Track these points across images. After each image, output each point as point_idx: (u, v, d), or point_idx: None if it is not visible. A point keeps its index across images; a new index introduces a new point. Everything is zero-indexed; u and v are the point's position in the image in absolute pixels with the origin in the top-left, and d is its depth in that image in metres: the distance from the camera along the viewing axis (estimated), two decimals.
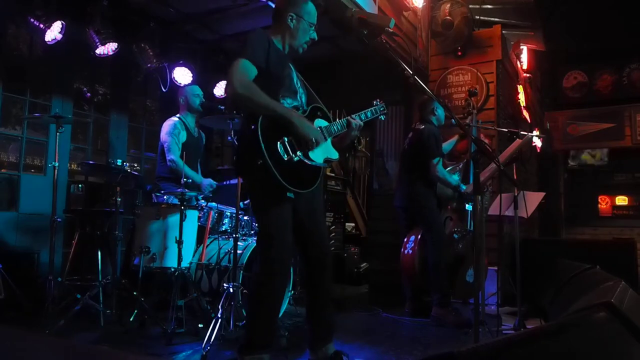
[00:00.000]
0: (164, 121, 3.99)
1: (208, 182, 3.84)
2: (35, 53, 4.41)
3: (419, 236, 4.14)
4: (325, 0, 2.66)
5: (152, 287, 3.55)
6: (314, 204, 2.50)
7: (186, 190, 3.22)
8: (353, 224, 7.85)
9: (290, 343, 2.99)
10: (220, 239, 3.61)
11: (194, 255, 3.56)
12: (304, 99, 2.54)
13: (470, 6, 5.35)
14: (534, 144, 7.26)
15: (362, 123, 2.57)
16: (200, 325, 3.17)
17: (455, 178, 4.12)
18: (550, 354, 0.91)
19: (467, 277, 4.17)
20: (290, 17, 2.47)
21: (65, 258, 4.15)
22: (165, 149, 3.83)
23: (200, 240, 3.62)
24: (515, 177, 3.78)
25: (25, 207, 4.19)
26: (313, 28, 2.53)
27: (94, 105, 4.98)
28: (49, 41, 3.77)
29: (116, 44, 4.05)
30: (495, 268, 4.44)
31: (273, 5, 3.99)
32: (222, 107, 3.60)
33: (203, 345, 2.69)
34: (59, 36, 3.76)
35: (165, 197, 3.65)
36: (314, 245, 2.48)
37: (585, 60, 8.96)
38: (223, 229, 3.74)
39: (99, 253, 3.55)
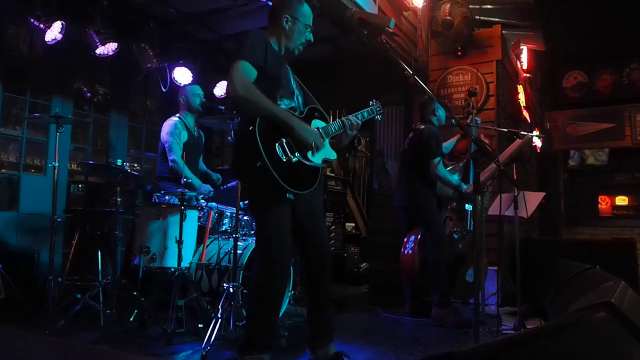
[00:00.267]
0: (164, 121, 3.98)
1: (206, 189, 3.83)
2: (35, 53, 4.41)
3: (419, 236, 4.14)
4: (321, 1, 2.65)
5: (152, 287, 3.55)
6: (314, 204, 2.50)
7: (186, 190, 3.22)
8: (353, 224, 7.86)
9: (290, 343, 2.99)
10: (220, 239, 3.61)
11: (194, 255, 3.56)
12: (300, 100, 2.54)
13: (470, 6, 5.35)
14: (534, 144, 7.26)
15: (359, 122, 2.56)
16: (200, 325, 3.17)
17: (455, 178, 4.12)
18: (550, 354, 0.91)
19: (467, 277, 4.17)
20: (285, 19, 2.47)
21: (65, 258, 4.15)
22: (167, 149, 3.82)
23: (200, 240, 3.62)
24: (515, 177, 3.78)
25: (25, 207, 4.19)
26: (309, 30, 2.53)
27: (94, 105, 4.98)
28: (49, 41, 3.77)
29: (116, 44, 4.05)
30: (495, 268, 4.44)
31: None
32: (222, 107, 3.60)
33: (203, 345, 2.69)
34: (59, 36, 3.77)
35: (166, 197, 3.65)
36: (313, 246, 2.48)
37: (585, 60, 8.95)
38: (223, 229, 3.74)
39: (99, 253, 3.54)
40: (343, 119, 2.52)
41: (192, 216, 3.47)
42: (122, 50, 4.15)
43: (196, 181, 3.83)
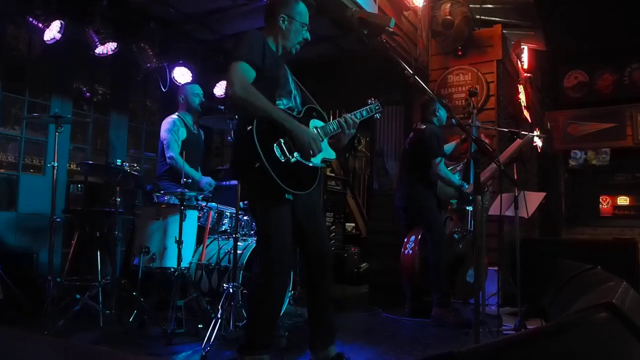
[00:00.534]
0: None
1: (207, 181, 3.84)
2: (34, 53, 4.40)
3: (419, 236, 4.14)
4: (318, 0, 2.64)
5: (151, 287, 3.55)
6: (313, 204, 2.49)
7: (186, 190, 3.21)
8: (353, 224, 7.86)
9: (290, 343, 2.99)
10: (220, 239, 3.61)
11: (193, 256, 3.56)
12: (298, 100, 2.53)
13: (471, 6, 5.34)
14: (534, 144, 7.26)
15: (357, 120, 2.55)
16: (200, 326, 3.17)
17: (457, 178, 4.11)
18: (550, 354, 0.91)
19: (467, 278, 4.16)
20: (281, 19, 2.46)
21: (64, 258, 4.14)
22: (165, 146, 3.81)
23: (200, 240, 3.61)
24: (515, 177, 3.78)
25: (25, 207, 4.19)
26: (306, 28, 2.53)
27: (93, 105, 4.98)
28: (48, 41, 3.76)
29: (116, 43, 4.05)
30: (496, 268, 4.43)
31: None
32: (222, 107, 3.60)
33: (203, 346, 2.68)
34: (58, 36, 3.76)
35: (165, 197, 3.65)
36: (313, 246, 2.47)
37: (586, 60, 8.95)
38: (223, 229, 3.74)
39: (99, 253, 3.54)
40: (341, 118, 2.51)
41: (192, 216, 3.46)
42: (121, 50, 4.15)
43: (196, 174, 3.81)
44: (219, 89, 5.09)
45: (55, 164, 3.24)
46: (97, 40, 3.91)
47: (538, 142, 7.37)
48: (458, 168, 4.39)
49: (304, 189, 2.32)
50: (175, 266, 3.14)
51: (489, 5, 5.88)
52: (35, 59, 4.42)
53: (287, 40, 2.49)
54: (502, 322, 3.53)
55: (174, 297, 3.05)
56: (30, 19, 3.67)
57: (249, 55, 2.27)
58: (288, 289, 3.65)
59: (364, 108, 2.66)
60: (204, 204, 3.64)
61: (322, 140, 2.41)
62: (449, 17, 5.16)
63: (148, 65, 4.35)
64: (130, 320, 3.21)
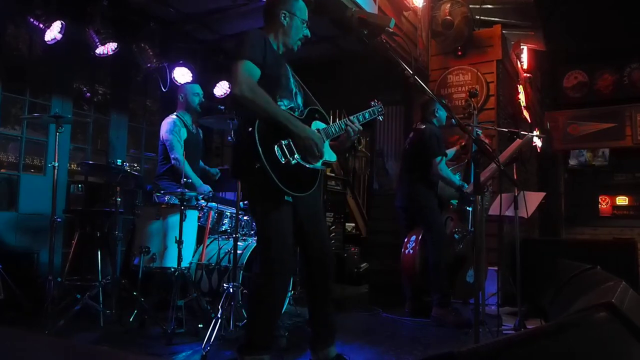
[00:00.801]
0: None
1: (205, 189, 3.82)
2: (35, 53, 4.41)
3: (420, 236, 4.14)
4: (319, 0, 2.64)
5: (152, 287, 3.55)
6: (314, 204, 2.49)
7: (186, 190, 3.21)
8: (353, 224, 7.86)
9: (290, 343, 2.99)
10: (220, 239, 3.61)
11: (193, 255, 3.56)
12: (300, 100, 2.53)
13: (471, 6, 5.34)
14: (534, 144, 7.25)
15: (360, 127, 2.55)
16: (200, 325, 3.17)
17: (457, 178, 4.11)
18: (550, 354, 0.91)
19: (467, 278, 4.17)
20: (283, 15, 2.47)
21: (65, 258, 4.14)
22: (168, 147, 3.81)
23: (200, 240, 3.61)
24: (515, 177, 3.78)
25: (25, 207, 4.19)
26: (305, 24, 2.53)
27: (93, 105, 4.98)
28: (48, 41, 3.76)
29: (116, 43, 4.05)
30: (496, 268, 4.43)
31: None
32: (222, 107, 3.60)
33: (203, 345, 2.69)
34: (59, 36, 3.76)
35: (165, 197, 3.65)
36: (314, 246, 2.47)
37: (586, 60, 8.94)
38: (223, 229, 3.74)
39: (99, 253, 3.54)
40: (344, 120, 2.51)
41: (192, 216, 3.47)
42: (122, 50, 4.15)
43: (197, 181, 3.82)
44: (219, 89, 5.09)
45: (56, 164, 3.24)
46: (97, 40, 3.92)
47: (538, 142, 7.37)
48: (459, 168, 4.39)
49: (304, 191, 2.32)
50: (176, 266, 3.14)
51: (489, 6, 5.88)
52: (35, 59, 4.42)
53: (288, 37, 2.49)
54: (502, 322, 3.53)
55: (174, 297, 3.05)
56: (31, 19, 3.67)
57: (252, 54, 2.26)
58: (288, 289, 3.65)
59: (367, 110, 2.65)
60: (204, 204, 3.65)
61: (324, 142, 2.41)
62: (448, 17, 5.16)
63: (148, 65, 4.35)
64: (131, 320, 3.21)
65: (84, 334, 3.09)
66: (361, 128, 2.56)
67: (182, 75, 4.62)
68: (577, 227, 8.95)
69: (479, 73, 5.33)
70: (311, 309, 2.53)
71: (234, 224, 3.36)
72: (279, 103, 2.34)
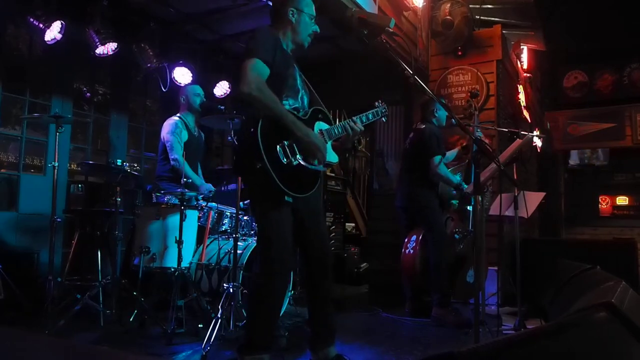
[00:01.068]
0: (164, 121, 3.99)
1: (207, 188, 3.83)
2: (35, 53, 4.40)
3: (420, 236, 4.14)
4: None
5: (152, 287, 3.55)
6: (314, 205, 2.49)
7: (186, 190, 3.21)
8: (353, 224, 7.85)
9: (290, 343, 2.99)
10: (220, 239, 3.61)
11: (193, 255, 3.56)
12: (305, 100, 2.53)
13: (471, 6, 5.34)
14: (534, 144, 7.25)
15: (363, 128, 2.55)
16: (200, 325, 3.17)
17: (457, 178, 4.11)
18: (550, 354, 0.91)
19: (467, 278, 4.17)
20: (291, 12, 2.47)
21: (65, 258, 4.14)
22: (168, 148, 3.82)
23: (200, 240, 3.61)
24: (515, 177, 3.78)
25: (25, 207, 4.19)
26: (313, 20, 2.53)
27: (93, 105, 4.98)
28: (48, 41, 3.76)
29: (116, 43, 4.05)
30: (496, 268, 4.43)
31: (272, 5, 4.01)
32: (222, 107, 3.60)
33: (203, 345, 2.69)
34: (59, 36, 3.76)
35: (165, 197, 3.65)
36: (314, 246, 2.48)
37: (586, 60, 8.94)
38: (223, 229, 3.74)
39: (99, 253, 3.54)
40: (347, 121, 2.51)
41: (192, 216, 3.47)
42: (122, 50, 4.15)
43: (197, 180, 3.83)
44: (219, 89, 5.09)
45: (56, 164, 3.24)
46: (97, 40, 3.91)
47: (538, 142, 7.37)
48: (460, 168, 4.39)
49: (305, 192, 2.32)
50: (176, 266, 3.14)
51: (489, 5, 5.88)
52: (35, 59, 4.42)
53: (297, 34, 2.50)
54: (502, 322, 3.53)
55: (174, 297, 3.05)
56: (31, 20, 3.67)
57: (263, 52, 2.26)
58: (288, 289, 3.65)
59: (370, 111, 2.65)
60: (204, 204, 3.65)
61: (326, 143, 2.42)
62: (448, 17, 5.16)
63: (148, 65, 4.35)
64: (131, 320, 3.21)
65: (84, 334, 3.09)
66: (363, 129, 2.56)
67: (182, 75, 4.62)
68: (577, 227, 8.96)
69: (479, 73, 5.33)
70: (311, 309, 2.53)
71: (234, 224, 3.36)
72: (283, 102, 2.35)
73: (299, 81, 2.51)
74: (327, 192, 6.44)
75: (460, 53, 5.40)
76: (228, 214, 3.78)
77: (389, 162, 5.99)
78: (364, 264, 6.38)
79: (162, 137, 3.91)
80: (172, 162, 3.79)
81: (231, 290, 3.00)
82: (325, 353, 2.46)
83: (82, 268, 3.85)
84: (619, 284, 1.50)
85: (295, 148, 2.26)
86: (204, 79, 4.80)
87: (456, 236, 4.24)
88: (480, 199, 2.91)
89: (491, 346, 0.88)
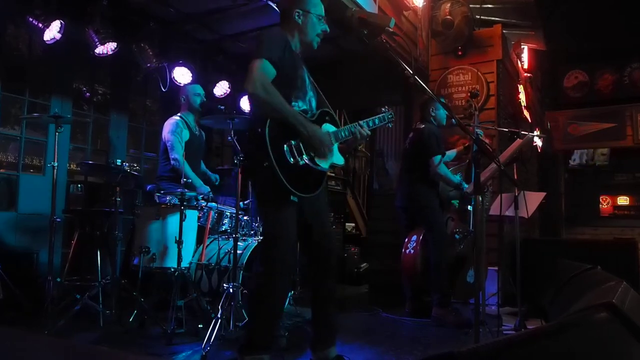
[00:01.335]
0: (164, 121, 3.99)
1: (206, 190, 3.82)
2: (34, 53, 4.40)
3: (421, 236, 4.14)
4: None
5: (152, 287, 3.54)
6: (319, 205, 2.50)
7: (186, 190, 3.21)
8: (353, 224, 7.85)
9: (290, 343, 2.98)
10: (220, 239, 3.61)
11: (193, 255, 3.56)
12: (313, 102, 2.54)
13: (471, 6, 5.34)
14: (534, 144, 7.25)
15: (369, 132, 2.57)
16: (200, 326, 3.16)
17: (457, 178, 4.11)
18: (550, 354, 0.91)
19: (467, 278, 4.16)
20: (297, 14, 2.47)
21: (64, 258, 4.14)
22: (169, 147, 3.83)
23: (200, 240, 3.61)
24: (515, 177, 3.78)
25: (25, 207, 4.19)
26: (322, 20, 2.53)
27: (93, 105, 4.97)
28: (48, 41, 3.76)
29: (116, 43, 4.04)
30: (496, 268, 4.43)
31: (273, 5, 4.01)
32: (222, 107, 3.60)
33: (203, 346, 2.68)
34: (58, 36, 3.76)
35: (167, 197, 3.65)
36: (319, 246, 2.48)
37: (586, 59, 8.94)
38: (223, 229, 3.74)
39: (99, 253, 3.54)
40: (354, 125, 2.52)
41: (192, 216, 3.46)
42: (121, 50, 4.14)
43: (197, 181, 3.83)
44: (219, 89, 5.09)
45: (55, 164, 3.24)
46: (97, 40, 3.91)
47: (538, 142, 7.37)
48: (460, 168, 4.39)
49: (310, 192, 2.33)
50: (175, 266, 3.13)
51: (489, 5, 5.88)
52: (35, 59, 4.41)
53: (305, 35, 2.50)
54: (502, 322, 3.52)
55: (174, 297, 3.05)
56: (30, 19, 3.67)
57: (270, 53, 2.28)
58: (289, 289, 3.65)
59: (377, 116, 2.67)
60: (204, 204, 3.65)
61: (333, 145, 2.42)
62: (449, 17, 5.16)
63: (148, 65, 4.35)
64: (131, 320, 3.21)
65: (84, 334, 3.08)
66: (370, 133, 2.57)
67: (182, 75, 4.62)
68: (577, 227, 8.96)
69: (479, 73, 5.32)
70: (314, 309, 2.53)
71: (234, 224, 3.35)
72: (293, 104, 2.36)
73: (307, 83, 2.53)
74: (327, 192, 6.43)
75: (460, 53, 5.39)
76: (228, 214, 3.77)
77: (389, 162, 6.00)
78: (364, 264, 6.38)
79: (162, 136, 3.91)
80: (172, 162, 3.79)
81: (231, 290, 3.00)
82: (325, 353, 2.46)
83: (81, 268, 3.85)
84: (619, 284, 1.50)
85: (302, 148, 2.28)
86: (204, 79, 4.80)
87: (456, 236, 4.24)
88: (480, 199, 2.90)
89: (491, 346, 0.87)
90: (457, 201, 4.29)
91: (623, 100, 8.45)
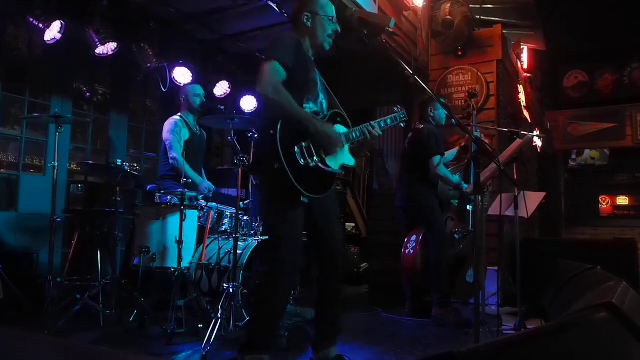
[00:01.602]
0: (164, 121, 3.99)
1: (207, 186, 3.84)
2: (34, 53, 4.40)
3: (420, 236, 4.14)
4: None
5: (152, 287, 3.54)
6: (329, 206, 2.52)
7: (186, 190, 3.21)
8: (353, 224, 7.85)
9: (290, 343, 2.98)
10: (220, 239, 3.61)
11: (193, 255, 3.56)
12: (325, 104, 2.55)
13: (471, 6, 5.34)
14: (534, 144, 7.25)
15: (381, 133, 2.57)
16: (200, 325, 3.16)
17: (456, 177, 4.11)
18: (550, 354, 0.91)
19: (467, 278, 4.17)
20: (305, 17, 2.49)
21: (64, 258, 4.14)
22: (167, 146, 3.84)
23: (200, 240, 3.61)
24: (515, 177, 3.78)
25: (25, 207, 4.19)
26: (333, 20, 2.53)
27: (93, 105, 4.97)
28: (48, 41, 3.76)
29: (116, 43, 4.04)
30: (496, 268, 4.43)
31: (273, 5, 4.02)
32: (222, 107, 3.60)
33: (203, 345, 2.68)
34: (59, 36, 3.76)
35: (167, 197, 3.65)
36: (326, 246, 2.50)
37: (586, 59, 8.95)
38: (223, 229, 3.74)
39: (99, 253, 3.54)
40: (365, 125, 2.52)
41: (192, 216, 3.46)
42: (121, 50, 4.14)
43: (197, 178, 3.84)
44: (219, 89, 5.09)
45: (56, 164, 3.24)
46: (97, 40, 3.91)
47: (538, 142, 7.37)
48: (459, 168, 4.39)
49: (320, 193, 2.35)
50: (176, 266, 3.13)
51: (489, 5, 5.88)
52: (35, 59, 4.41)
53: (315, 37, 2.51)
54: (502, 322, 3.53)
55: (174, 297, 3.05)
56: (31, 19, 3.67)
57: (282, 55, 2.30)
58: (292, 289, 3.65)
59: (389, 116, 2.66)
60: (204, 204, 3.65)
61: (343, 146, 2.43)
62: (449, 17, 5.16)
63: (148, 65, 4.35)
64: (131, 320, 3.21)
65: (84, 334, 3.08)
66: (381, 134, 2.57)
67: (182, 75, 4.62)
68: (577, 227, 8.96)
69: (479, 73, 5.33)
70: (319, 308, 2.54)
71: (234, 224, 3.35)
72: (304, 106, 2.37)
73: (319, 85, 2.54)
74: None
75: (460, 53, 5.40)
76: (228, 214, 3.77)
77: (389, 162, 6.00)
78: (364, 264, 6.38)
79: (162, 136, 3.92)
80: (170, 161, 3.80)
81: (231, 290, 3.00)
82: (326, 353, 2.47)
83: (82, 268, 3.85)
84: (619, 284, 1.50)
85: (313, 150, 2.29)
86: (204, 79, 4.80)
87: (456, 236, 4.24)
88: (480, 198, 2.90)
89: (491, 346, 0.88)
90: (457, 201, 4.29)
91: (623, 100, 8.45)
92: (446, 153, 4.26)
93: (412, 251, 4.16)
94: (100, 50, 4.00)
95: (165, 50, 4.54)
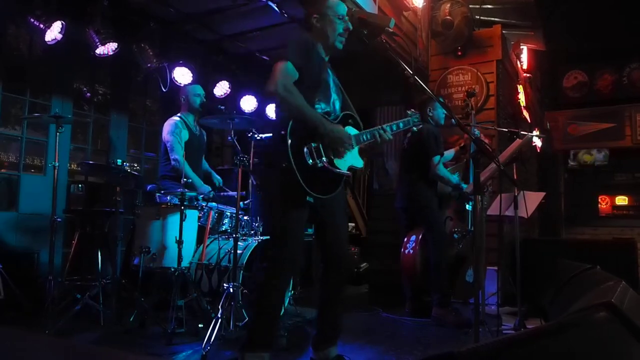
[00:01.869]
0: (164, 121, 4.00)
1: (206, 189, 3.83)
2: (35, 53, 4.40)
3: (420, 236, 4.14)
4: None
5: (152, 287, 3.55)
6: (336, 207, 2.52)
7: (186, 190, 3.22)
8: (353, 224, 7.85)
9: (290, 343, 2.99)
10: (220, 239, 3.61)
11: (194, 255, 3.56)
12: (337, 105, 2.55)
13: (471, 6, 5.35)
14: (534, 144, 7.26)
15: (392, 137, 2.57)
16: (200, 325, 3.17)
17: (456, 177, 4.12)
18: (550, 354, 0.91)
19: (467, 278, 4.17)
20: (315, 19, 2.51)
21: (65, 258, 4.14)
22: (168, 148, 3.84)
23: (200, 240, 3.61)
24: (515, 177, 3.78)
25: (25, 207, 4.19)
26: (343, 19, 2.54)
27: (94, 105, 4.98)
28: (48, 41, 3.76)
29: (116, 43, 4.05)
30: (496, 268, 4.43)
31: (273, 5, 4.02)
32: (222, 107, 3.60)
33: (203, 345, 2.69)
34: (59, 36, 3.76)
35: (167, 197, 3.65)
36: (332, 247, 2.51)
37: (586, 60, 8.95)
38: (223, 229, 3.74)
39: (99, 253, 3.54)
40: (376, 129, 2.52)
41: (192, 216, 3.46)
42: (122, 50, 4.14)
43: (197, 181, 3.84)
44: (219, 89, 5.09)
45: (56, 164, 3.25)
46: (97, 40, 3.91)
47: (537, 142, 7.37)
48: (459, 168, 4.39)
49: (327, 194, 2.35)
50: (176, 266, 3.14)
51: (489, 6, 5.88)
52: (35, 59, 4.42)
53: (326, 38, 2.52)
54: (502, 322, 3.53)
55: (174, 297, 3.05)
56: (31, 20, 3.67)
57: (295, 56, 2.32)
58: (288, 289, 3.65)
59: (402, 120, 2.66)
60: (204, 204, 3.65)
61: (353, 148, 2.44)
62: (448, 17, 5.16)
63: (148, 65, 4.35)
64: (131, 320, 3.21)
65: (84, 334, 3.09)
66: (392, 138, 2.56)
67: (182, 75, 4.62)
68: (577, 227, 8.96)
69: (478, 73, 5.33)
70: (321, 307, 2.55)
71: (234, 224, 3.36)
72: (316, 107, 2.39)
73: (332, 86, 2.55)
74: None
75: (460, 53, 5.40)
76: (228, 214, 3.78)
77: (389, 162, 5.99)
78: (364, 264, 6.38)
79: (162, 137, 3.92)
80: (172, 162, 3.80)
81: (231, 290, 3.00)
82: (326, 353, 2.48)
83: (82, 268, 3.85)
84: (619, 284, 1.51)
85: (322, 151, 2.30)
86: (204, 79, 4.80)
87: (455, 236, 4.25)
88: (480, 198, 2.91)
89: (491, 346, 0.88)
90: (457, 193, 4.29)
91: (622, 100, 8.46)
92: (445, 153, 4.27)
93: (411, 251, 4.17)
94: (101, 50, 4.00)
95: (165, 50, 4.55)
